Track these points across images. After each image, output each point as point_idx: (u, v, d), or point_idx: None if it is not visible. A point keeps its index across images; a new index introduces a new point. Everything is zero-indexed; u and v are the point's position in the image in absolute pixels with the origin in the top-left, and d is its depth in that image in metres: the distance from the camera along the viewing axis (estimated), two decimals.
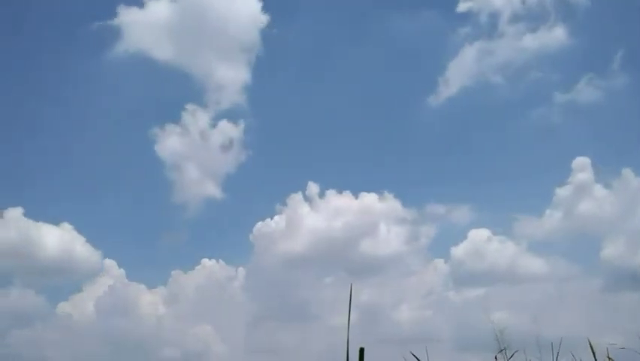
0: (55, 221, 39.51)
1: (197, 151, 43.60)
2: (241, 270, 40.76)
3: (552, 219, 40.16)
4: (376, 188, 42.37)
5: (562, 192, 39.76)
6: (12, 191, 43.92)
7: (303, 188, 41.09)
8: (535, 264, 38.90)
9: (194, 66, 44.20)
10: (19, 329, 38.72)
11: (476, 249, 38.86)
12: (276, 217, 40.95)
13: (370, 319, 38.03)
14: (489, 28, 43.18)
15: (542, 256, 39.49)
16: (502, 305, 35.88)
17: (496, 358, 8.36)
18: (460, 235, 40.36)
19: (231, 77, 43.93)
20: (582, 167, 38.24)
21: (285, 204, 41.42)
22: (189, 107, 43.07)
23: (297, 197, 40.84)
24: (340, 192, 40.92)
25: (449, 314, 35.92)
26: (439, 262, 40.68)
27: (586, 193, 39.02)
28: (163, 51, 42.50)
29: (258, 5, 42.90)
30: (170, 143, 42.62)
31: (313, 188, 40.93)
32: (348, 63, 47.27)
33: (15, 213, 38.10)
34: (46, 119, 47.89)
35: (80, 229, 39.65)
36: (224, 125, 43.31)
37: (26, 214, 38.15)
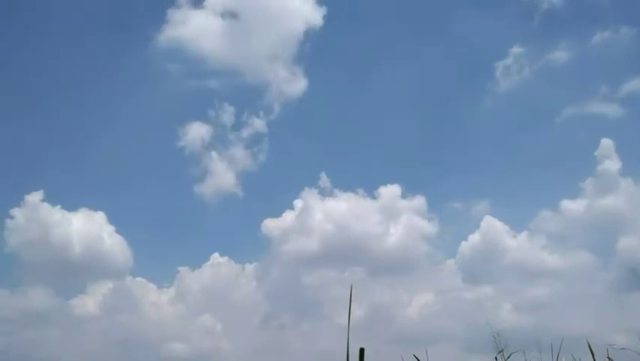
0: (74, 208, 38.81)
1: (221, 147, 43.59)
2: (252, 266, 40.26)
3: (573, 213, 39.25)
4: (395, 184, 40.98)
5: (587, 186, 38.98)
6: (33, 175, 44.31)
7: (316, 184, 40.63)
8: (553, 260, 38.13)
9: (233, 61, 43.87)
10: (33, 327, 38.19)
11: (491, 246, 37.98)
12: (289, 213, 40.33)
13: (382, 318, 37.67)
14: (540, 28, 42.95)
15: (560, 251, 38.75)
16: (521, 303, 35.73)
17: (496, 358, 8.44)
18: (477, 232, 38.93)
19: (270, 74, 43.62)
20: (607, 154, 37.39)
21: (299, 200, 40.59)
22: (218, 102, 43.39)
23: (312, 193, 40.39)
24: (355, 189, 40.43)
25: (463, 313, 35.28)
26: (453, 260, 39.76)
27: (610, 187, 38.00)
28: (208, 44, 42.44)
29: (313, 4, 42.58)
30: (196, 137, 42.34)
31: (327, 184, 40.44)
32: (392, 62, 47.13)
33: (35, 197, 37.48)
34: (77, 106, 47.80)
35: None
36: (253, 121, 43.39)
37: (46, 200, 37.64)
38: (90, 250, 38.20)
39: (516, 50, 43.24)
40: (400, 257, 39.77)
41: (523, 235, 39.03)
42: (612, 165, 37.31)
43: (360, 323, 34.37)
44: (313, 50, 43.85)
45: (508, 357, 8.58)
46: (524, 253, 38.24)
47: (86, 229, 38.06)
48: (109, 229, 38.42)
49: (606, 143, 37.77)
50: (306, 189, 40.56)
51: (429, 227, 39.70)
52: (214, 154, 42.89)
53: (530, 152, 44.38)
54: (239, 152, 43.23)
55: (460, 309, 35.93)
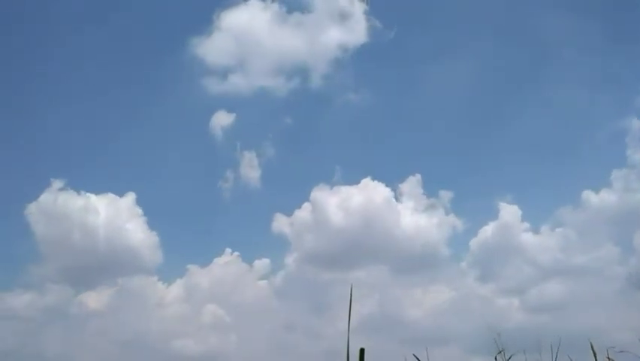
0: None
1: (249, 141, 43.07)
2: (263, 263, 39.09)
3: (596, 206, 38.13)
4: (417, 176, 39.83)
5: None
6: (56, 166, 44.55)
7: (338, 179, 39.97)
8: (572, 256, 37.08)
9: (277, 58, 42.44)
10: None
11: (508, 242, 37.56)
12: (304, 209, 38.99)
13: (394, 317, 36.78)
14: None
15: (580, 247, 37.75)
16: (535, 301, 35.38)
17: (495, 359, 8.35)
18: (494, 229, 38.03)
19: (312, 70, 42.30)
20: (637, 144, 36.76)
21: (315, 196, 39.36)
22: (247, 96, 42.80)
23: (324, 188, 39.41)
24: (375, 183, 38.74)
25: (478, 312, 34.44)
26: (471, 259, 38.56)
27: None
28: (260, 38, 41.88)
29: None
30: (224, 130, 41.62)
31: (341, 177, 39.95)
32: (447, 65, 45.37)
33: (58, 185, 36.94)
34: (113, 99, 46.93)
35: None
36: (280, 116, 43.58)
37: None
38: (112, 245, 37.43)
39: (566, 52, 42.80)
40: (420, 255, 38.83)
41: (545, 230, 38.35)
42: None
43: (370, 322, 34.26)
44: (366, 56, 43.30)
45: (509, 359, 8.50)
46: (542, 249, 37.46)
47: (110, 223, 37.29)
48: (137, 222, 37.85)
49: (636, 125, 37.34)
50: (326, 185, 39.80)
51: (451, 223, 38.81)
52: (240, 148, 42.33)
53: (560, 149, 43.36)
54: (265, 147, 42.93)
55: (476, 308, 35.33)
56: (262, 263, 38.80)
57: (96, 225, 36.66)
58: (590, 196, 37.98)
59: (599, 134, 43.46)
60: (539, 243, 37.62)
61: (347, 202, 38.51)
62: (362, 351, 4.51)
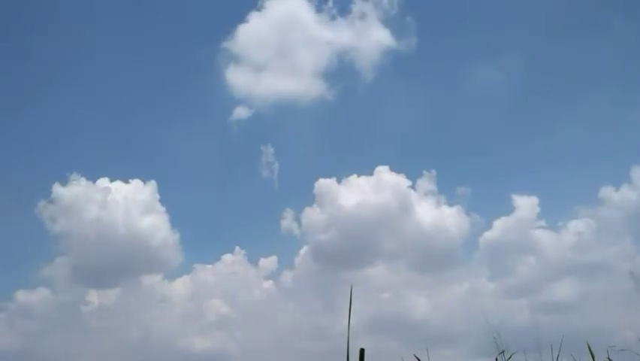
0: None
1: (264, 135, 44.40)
2: (270, 261, 39.63)
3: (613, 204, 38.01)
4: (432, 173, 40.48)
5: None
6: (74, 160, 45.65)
7: (343, 177, 39.94)
8: (587, 254, 37.37)
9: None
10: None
11: (522, 241, 37.71)
12: (315, 208, 39.50)
13: (401, 317, 37.15)
14: None
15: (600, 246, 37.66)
16: (545, 301, 35.52)
17: (496, 359, 8.44)
18: (510, 226, 38.20)
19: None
20: None
21: (321, 192, 39.78)
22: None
23: (335, 185, 39.65)
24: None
25: (490, 312, 33.57)
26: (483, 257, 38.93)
27: None
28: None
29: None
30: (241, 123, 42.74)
31: (355, 174, 39.79)
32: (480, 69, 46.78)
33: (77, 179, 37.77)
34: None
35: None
36: (299, 114, 43.86)
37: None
38: (131, 243, 37.72)
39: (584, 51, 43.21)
40: (434, 252, 38.89)
41: (561, 227, 38.52)
42: None
43: (378, 322, 34.66)
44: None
45: (509, 358, 8.57)
46: (559, 246, 37.57)
47: (129, 220, 37.62)
48: (160, 220, 38.23)
49: None
50: (337, 183, 39.83)
51: (466, 220, 39.13)
52: (257, 145, 43.26)
53: (579, 145, 44.31)
54: (282, 144, 43.76)
55: (490, 308, 35.32)
56: (270, 261, 39.16)
57: (113, 222, 36.90)
58: (609, 192, 37.81)
59: (619, 130, 43.17)
60: (556, 240, 37.68)
61: (360, 198, 38.54)
62: (362, 351, 4.61)
